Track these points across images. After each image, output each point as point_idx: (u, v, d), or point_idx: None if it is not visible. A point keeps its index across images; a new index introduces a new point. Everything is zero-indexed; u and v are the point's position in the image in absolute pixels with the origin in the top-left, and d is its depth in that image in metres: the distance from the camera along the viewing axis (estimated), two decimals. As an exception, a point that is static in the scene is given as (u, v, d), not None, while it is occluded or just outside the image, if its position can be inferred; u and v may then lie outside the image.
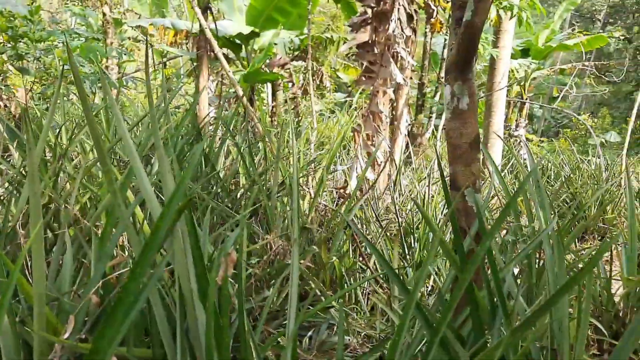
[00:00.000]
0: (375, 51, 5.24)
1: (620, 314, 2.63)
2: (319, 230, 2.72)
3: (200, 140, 2.66)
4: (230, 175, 2.75)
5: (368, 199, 4.71)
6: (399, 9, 5.23)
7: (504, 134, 13.39)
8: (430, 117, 11.57)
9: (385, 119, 5.46)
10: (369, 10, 5.16)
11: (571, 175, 6.25)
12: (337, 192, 4.75)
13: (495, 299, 1.42)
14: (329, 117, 13.53)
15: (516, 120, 13.28)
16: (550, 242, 1.78)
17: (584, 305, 1.70)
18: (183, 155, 2.51)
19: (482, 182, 5.54)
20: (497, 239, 2.96)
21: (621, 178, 6.28)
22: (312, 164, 3.17)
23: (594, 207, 5.64)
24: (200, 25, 6.91)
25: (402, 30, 5.92)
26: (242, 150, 2.66)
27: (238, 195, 2.75)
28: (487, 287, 1.42)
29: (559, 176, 6.70)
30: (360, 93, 10.36)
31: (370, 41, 5.30)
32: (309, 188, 2.85)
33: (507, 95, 13.30)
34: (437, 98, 11.53)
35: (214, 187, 2.66)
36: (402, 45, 5.29)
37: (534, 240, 1.67)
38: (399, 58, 5.31)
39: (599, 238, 5.50)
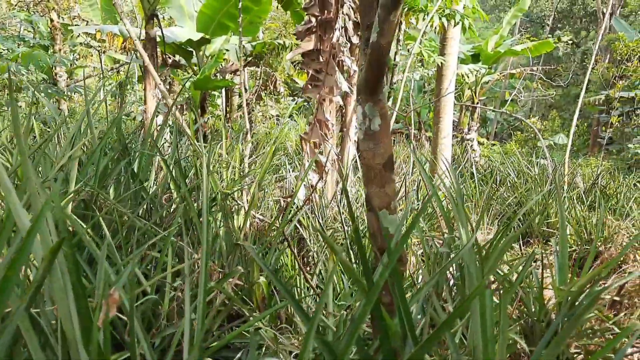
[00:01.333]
0: (321, 59, 5.22)
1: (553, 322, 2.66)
2: (253, 245, 2.67)
3: (127, 155, 2.59)
4: (160, 191, 2.68)
5: (315, 208, 4.69)
6: (344, 17, 5.23)
7: (457, 137, 13.61)
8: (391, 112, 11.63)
9: (332, 127, 5.45)
10: (314, 19, 5.15)
11: (516, 180, 6.35)
12: (284, 202, 4.72)
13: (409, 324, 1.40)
14: (285, 122, 13.51)
15: (468, 124, 13.48)
16: (473, 259, 1.79)
17: (502, 322, 1.71)
18: (107, 172, 2.43)
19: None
20: (434, 250, 2.98)
21: (564, 182, 6.42)
22: (248, 177, 3.12)
23: (538, 211, 5.73)
24: (147, 32, 6.81)
25: (349, 38, 5.93)
26: (172, 165, 2.59)
27: (170, 212, 2.68)
28: (399, 312, 1.40)
29: (505, 180, 6.80)
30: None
31: (315, 49, 5.28)
32: (243, 202, 2.80)
33: (459, 100, 13.53)
34: (389, 103, 11.62)
35: (144, 205, 2.59)
36: (347, 54, 5.30)
37: (450, 261, 1.67)
38: (345, 66, 5.31)
39: (544, 242, 5.59)
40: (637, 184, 7.88)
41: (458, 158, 9.58)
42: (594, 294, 2.64)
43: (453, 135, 13.72)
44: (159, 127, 6.14)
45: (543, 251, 4.38)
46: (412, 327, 1.35)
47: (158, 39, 7.08)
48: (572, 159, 13.23)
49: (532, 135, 14.68)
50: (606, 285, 3.57)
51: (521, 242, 5.19)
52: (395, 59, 10.70)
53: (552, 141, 15.32)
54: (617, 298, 3.27)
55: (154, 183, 2.89)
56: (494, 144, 15.29)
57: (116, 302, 1.02)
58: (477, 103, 13.21)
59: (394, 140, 13.17)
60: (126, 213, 2.30)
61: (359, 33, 6.19)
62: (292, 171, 6.20)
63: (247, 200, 2.77)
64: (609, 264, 2.84)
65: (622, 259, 4.48)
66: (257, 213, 3.83)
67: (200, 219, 2.58)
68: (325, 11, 5.09)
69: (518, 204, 5.85)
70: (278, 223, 2.94)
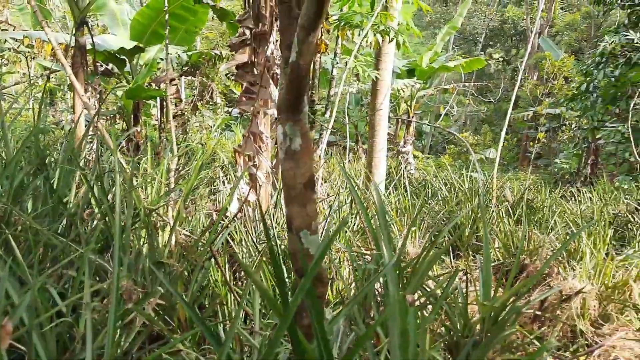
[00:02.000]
0: (255, 72, 5.19)
1: (477, 338, 2.71)
2: (178, 263, 2.60)
3: (45, 169, 2.47)
4: (81, 207, 2.57)
5: (248, 222, 4.63)
6: (278, 31, 5.23)
7: (393, 150, 13.83)
8: (322, 133, 11.70)
9: (266, 140, 5.42)
10: (248, 32, 5.11)
11: (447, 194, 6.49)
12: (216, 215, 4.64)
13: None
14: (220, 133, 13.36)
15: (404, 137, 13.72)
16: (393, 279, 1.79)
17: (421, 341, 1.72)
18: (23, 187, 2.31)
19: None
20: (362, 266, 2.98)
21: (492, 195, 6.60)
22: (175, 192, 3.04)
23: (469, 225, 5.85)
24: (76, 39, 6.60)
25: (283, 51, 5.94)
26: (92, 179, 2.49)
27: (91, 228, 2.58)
28: (316, 335, 1.38)
29: (436, 193, 6.94)
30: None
31: (250, 62, 5.25)
32: (168, 218, 2.73)
33: (395, 114, 13.78)
34: (327, 115, 11.69)
35: (62, 221, 2.48)
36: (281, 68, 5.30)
37: (373, 279, 1.66)
38: (279, 79, 5.30)
39: (474, 254, 5.70)
40: (563, 197, 8.20)
41: (394, 171, 9.71)
42: (516, 310, 2.71)
43: (389, 149, 13.94)
44: (88, 138, 5.96)
45: (468, 265, 4.47)
46: (329, 350, 1.33)
47: (89, 47, 6.88)
48: (503, 172, 13.69)
49: (465, 149, 15.10)
50: (531, 298, 3.68)
51: (451, 255, 5.29)
52: (332, 72, 10.80)
53: (483, 155, 15.81)
54: (539, 312, 3.37)
55: (74, 198, 2.77)
56: (428, 157, 15.63)
57: (9, 334, 0.96)
58: (413, 117, 13.48)
59: (331, 152, 13.25)
60: (41, 230, 2.19)
61: (295, 46, 6.21)
62: (227, 184, 6.11)
63: (173, 215, 2.70)
64: (530, 280, 2.92)
65: (547, 271, 4.63)
66: (185, 228, 3.74)
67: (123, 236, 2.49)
68: (260, 24, 5.06)
69: (449, 217, 5.96)
70: (206, 238, 2.88)
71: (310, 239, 1.58)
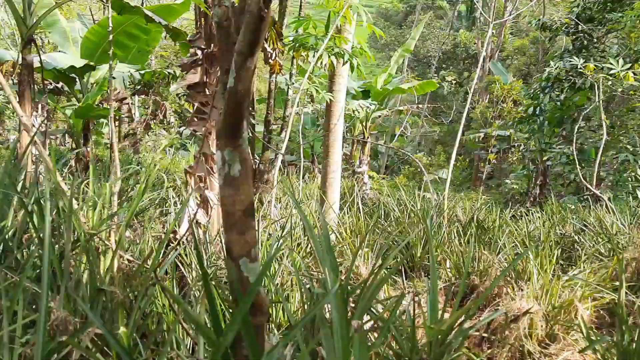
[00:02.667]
0: (207, 92, 5.14)
1: (424, 362, 2.71)
2: (120, 289, 2.52)
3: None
4: (19, 232, 2.48)
5: (198, 244, 4.55)
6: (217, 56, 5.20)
7: (349, 170, 13.90)
8: (277, 153, 11.67)
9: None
10: (200, 52, 5.07)
11: (399, 215, 6.53)
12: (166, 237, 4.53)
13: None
14: (175, 153, 13.18)
15: (359, 158, 13.81)
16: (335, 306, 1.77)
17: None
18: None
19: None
20: (310, 290, 2.95)
21: (443, 216, 6.68)
22: (120, 215, 2.96)
23: (420, 245, 5.89)
24: (23, 57, 6.43)
25: (237, 71, 5.91)
26: (31, 203, 2.40)
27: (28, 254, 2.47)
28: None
29: (389, 214, 6.98)
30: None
31: (201, 82, 5.20)
32: (110, 243, 2.64)
33: (350, 134, 13.87)
34: (283, 135, 11.68)
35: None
36: (234, 88, 5.27)
37: (317, 305, 1.64)
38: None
39: (426, 275, 5.73)
40: (513, 217, 8.36)
41: (348, 191, 9.74)
42: (463, 333, 2.73)
43: (345, 169, 14.02)
44: (33, 158, 5.77)
45: (415, 287, 4.50)
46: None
47: (38, 65, 6.71)
48: (455, 192, 13.91)
49: (420, 169, 15.30)
50: (480, 319, 3.71)
51: (404, 276, 5.31)
52: (288, 93, 10.82)
53: (437, 175, 16.06)
54: (485, 335, 3.40)
55: (12, 222, 2.66)
56: (384, 178, 15.77)
57: None
58: (368, 137, 13.60)
59: (287, 172, 13.23)
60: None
61: (248, 67, 6.19)
62: (178, 205, 6.00)
63: (115, 240, 2.62)
64: (477, 302, 2.95)
65: (496, 292, 4.68)
66: (131, 253, 3.64)
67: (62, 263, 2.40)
68: (212, 44, 5.03)
69: (401, 237, 5.99)
70: (156, 262, 2.80)
71: (250, 267, 1.55)
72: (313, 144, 14.47)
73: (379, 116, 14.39)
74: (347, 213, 7.21)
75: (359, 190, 11.62)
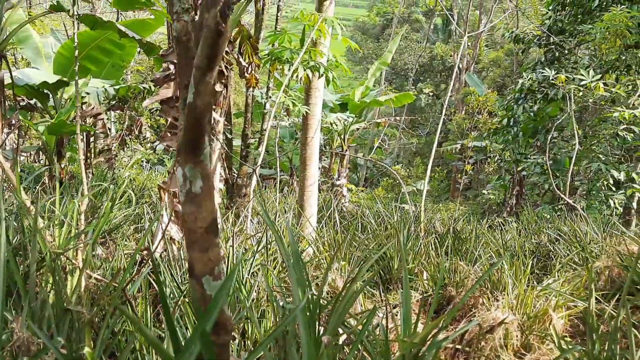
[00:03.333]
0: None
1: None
2: (86, 309, 2.47)
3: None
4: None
5: (172, 261, 4.49)
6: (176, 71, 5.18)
7: (328, 183, 13.91)
8: (254, 168, 11.61)
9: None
10: (172, 66, 5.05)
11: (376, 227, 6.53)
12: (139, 255, 4.48)
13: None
14: (151, 168, 13.09)
15: (338, 171, 13.83)
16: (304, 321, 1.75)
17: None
18: None
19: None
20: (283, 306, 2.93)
21: (420, 227, 6.70)
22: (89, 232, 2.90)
23: (397, 257, 5.89)
24: (-6, 72, 6.35)
25: (211, 86, 5.89)
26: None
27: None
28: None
29: (366, 227, 6.98)
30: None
31: (174, 97, 5.16)
32: (77, 261, 2.59)
33: (329, 147, 13.90)
34: (260, 149, 11.65)
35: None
36: (208, 102, 5.24)
37: (282, 323, 1.62)
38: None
39: (402, 287, 5.71)
40: (490, 227, 8.42)
41: (325, 204, 9.73)
42: (436, 345, 2.71)
43: (324, 182, 14.02)
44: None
45: (387, 300, 4.48)
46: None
47: (9, 81, 6.64)
48: (434, 204, 13.98)
49: (398, 181, 15.37)
50: (456, 330, 3.70)
51: (381, 289, 5.29)
52: (265, 106, 10.82)
53: (415, 187, 16.13)
54: (460, 346, 3.39)
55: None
56: (363, 190, 15.80)
57: None
58: (347, 150, 13.63)
59: (265, 185, 13.19)
60: None
61: (223, 81, 6.19)
62: (154, 222, 5.93)
63: (82, 259, 2.57)
64: (451, 313, 2.94)
65: (472, 303, 4.69)
66: (101, 271, 3.58)
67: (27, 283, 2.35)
68: (185, 59, 5.02)
69: (379, 250, 5.98)
70: (125, 280, 2.75)
71: (213, 285, 1.53)
72: (292, 157, 14.46)
73: (357, 129, 14.45)
74: (325, 226, 7.20)
75: (338, 203, 11.63)
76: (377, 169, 21.75)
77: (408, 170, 18.31)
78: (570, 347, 2.71)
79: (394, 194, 14.70)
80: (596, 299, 4.44)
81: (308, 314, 2.38)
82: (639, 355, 2.60)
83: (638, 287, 4.16)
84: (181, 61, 1.50)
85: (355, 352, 2.38)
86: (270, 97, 10.50)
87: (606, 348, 2.35)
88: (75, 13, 4.88)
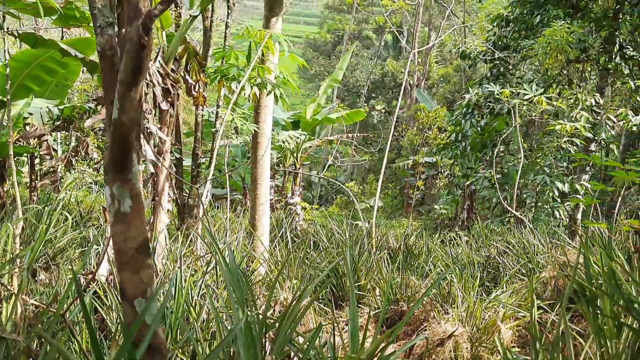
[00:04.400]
0: (125, 126, 5.00)
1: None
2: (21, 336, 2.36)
3: None
4: None
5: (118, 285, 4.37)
6: (147, 83, 5.11)
7: (281, 202, 13.84)
8: (204, 187, 11.46)
9: (139, 197, 5.20)
10: (116, 85, 4.93)
11: (328, 244, 6.52)
12: (84, 279, 4.33)
13: None
14: (99, 189, 12.74)
15: (292, 189, 13.78)
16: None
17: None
18: None
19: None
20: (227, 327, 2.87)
21: (372, 244, 6.72)
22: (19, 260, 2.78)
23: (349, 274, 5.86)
24: None
25: (158, 104, 5.80)
26: None
27: None
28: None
29: (318, 244, 6.96)
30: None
31: (118, 116, 5.04)
32: (13, 287, 2.48)
33: (282, 166, 13.86)
34: (210, 168, 11.50)
35: None
36: (153, 121, 5.15)
37: (221, 343, 1.57)
38: (150, 134, 5.15)
39: (358, 305, 5.70)
40: (443, 242, 8.51)
41: (281, 223, 9.67)
42: (384, 360, 2.70)
43: (277, 200, 13.95)
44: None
45: (336, 318, 4.47)
46: None
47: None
48: (388, 220, 14.08)
49: (351, 198, 15.43)
50: (406, 344, 3.70)
51: (334, 306, 5.27)
52: (216, 125, 10.72)
53: (368, 204, 16.23)
54: (408, 360, 3.39)
55: None
56: (317, 208, 15.80)
57: None
58: (299, 168, 13.61)
59: (218, 205, 13.03)
60: None
61: (170, 99, 6.10)
62: (101, 244, 5.76)
63: (18, 284, 2.46)
64: (398, 328, 2.93)
65: (424, 317, 4.71)
66: (44, 296, 3.45)
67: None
68: (129, 77, 4.92)
69: (329, 267, 5.96)
70: (64, 305, 2.64)
71: (146, 307, 1.47)
72: (244, 176, 14.35)
73: (310, 147, 14.47)
74: (278, 245, 7.15)
75: (292, 222, 11.57)
76: (332, 186, 21.82)
77: (361, 187, 18.41)
78: (515, 357, 2.74)
79: (347, 212, 14.74)
80: (542, 308, 4.53)
81: (254, 333, 2.34)
82: (581, 362, 2.65)
83: (579, 295, 4.25)
84: (106, 77, 1.45)
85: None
86: (220, 116, 10.42)
87: (549, 357, 2.38)
88: (10, 30, 4.74)
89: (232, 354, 2.78)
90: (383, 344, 2.70)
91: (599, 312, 2.70)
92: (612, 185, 6.59)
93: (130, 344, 1.25)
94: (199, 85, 7.10)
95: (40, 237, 2.60)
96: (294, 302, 2.59)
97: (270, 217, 9.58)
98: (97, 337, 1.31)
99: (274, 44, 6.71)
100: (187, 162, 11.67)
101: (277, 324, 2.73)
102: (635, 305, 2.42)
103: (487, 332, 4.11)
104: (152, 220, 5.97)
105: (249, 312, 2.52)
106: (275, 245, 7.13)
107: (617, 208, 6.11)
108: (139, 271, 1.47)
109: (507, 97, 8.69)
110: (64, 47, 6.66)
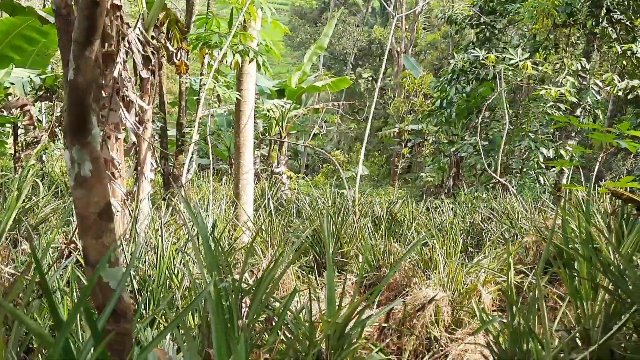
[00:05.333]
0: (103, 94, 4.92)
1: (323, 356, 2.69)
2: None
3: None
4: None
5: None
6: (127, 51, 5.01)
7: (267, 171, 13.81)
8: (192, 156, 11.40)
9: (119, 165, 5.15)
10: (93, 52, 4.83)
11: (311, 213, 6.52)
12: (66, 248, 4.31)
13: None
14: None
15: (277, 158, 13.73)
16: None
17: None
18: None
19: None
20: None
21: (355, 211, 6.73)
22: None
23: (332, 242, 5.89)
24: None
25: (138, 72, 5.70)
26: None
27: None
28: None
29: (301, 213, 6.96)
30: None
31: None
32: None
33: (268, 134, 13.79)
34: (195, 137, 11.41)
35: None
36: (133, 89, 5.07)
37: (190, 304, 1.56)
38: (131, 102, 5.07)
39: (338, 271, 5.73)
40: (428, 209, 8.54)
41: (261, 192, 9.66)
42: (360, 324, 2.72)
43: (263, 170, 13.91)
44: None
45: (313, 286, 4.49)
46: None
47: None
48: (374, 188, 14.10)
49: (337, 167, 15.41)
50: (385, 309, 3.72)
51: (316, 272, 5.30)
52: (200, 94, 10.60)
53: (354, 172, 16.22)
54: (386, 324, 3.42)
55: None
56: (303, 177, 15.77)
57: None
58: (285, 137, 13.54)
59: (203, 175, 12.97)
60: None
61: (150, 67, 6.00)
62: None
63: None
64: (376, 290, 2.95)
65: (405, 282, 4.74)
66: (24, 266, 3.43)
67: None
68: (106, 44, 4.82)
69: (313, 235, 5.97)
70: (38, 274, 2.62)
71: (110, 272, 1.45)
72: (230, 146, 14.27)
73: (296, 115, 14.37)
74: (263, 214, 7.14)
75: (277, 191, 11.56)
76: (318, 155, 21.77)
77: (348, 156, 18.38)
78: (491, 317, 2.77)
79: (333, 181, 14.75)
80: (524, 272, 4.57)
81: (229, 298, 2.34)
82: (556, 323, 2.69)
83: (557, 258, 4.29)
84: (62, 37, 1.41)
85: (278, 333, 2.35)
86: (203, 84, 10.30)
87: (523, 320, 2.41)
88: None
89: (208, 319, 2.79)
90: (360, 307, 2.73)
91: (575, 274, 2.72)
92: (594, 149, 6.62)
93: (85, 304, 1.24)
94: (180, 53, 6.98)
95: (11, 204, 2.57)
96: (271, 266, 2.59)
97: (255, 187, 9.57)
98: (54, 300, 1.30)
99: (256, 10, 6.60)
100: (173, 132, 11.57)
101: (253, 290, 2.73)
102: (611, 267, 2.44)
103: (468, 297, 4.15)
104: (134, 189, 5.94)
105: (224, 278, 2.51)
106: (259, 214, 7.13)
107: (595, 170, 6.13)
108: (101, 236, 1.45)
109: (492, 62, 8.63)
110: (42, 14, 6.52)
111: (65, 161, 1.43)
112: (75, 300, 3.47)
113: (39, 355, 2.57)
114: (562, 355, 2.32)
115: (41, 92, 9.88)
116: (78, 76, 1.28)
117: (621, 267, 2.35)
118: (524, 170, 9.27)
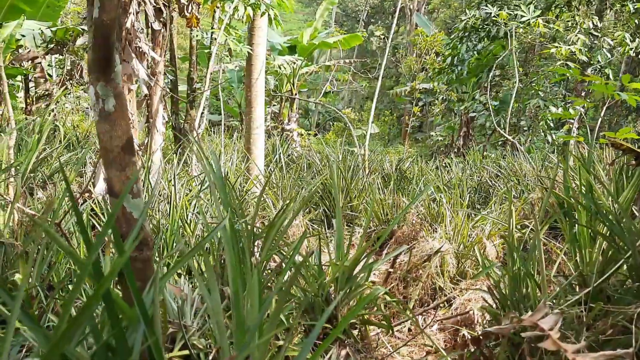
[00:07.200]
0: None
1: (332, 297, 2.81)
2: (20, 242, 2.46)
3: None
4: None
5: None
6: (139, 2, 5.02)
7: (278, 128, 13.85)
8: (203, 112, 11.45)
9: (132, 117, 5.23)
10: (106, 3, 4.86)
11: (321, 168, 6.60)
12: (81, 196, 4.43)
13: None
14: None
15: (288, 115, 13.77)
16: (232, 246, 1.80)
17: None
18: None
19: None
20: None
21: (364, 167, 6.81)
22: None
23: (342, 196, 6.00)
24: None
25: (149, 24, 5.73)
26: None
27: None
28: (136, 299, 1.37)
29: (311, 167, 7.05)
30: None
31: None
32: (9, 196, 2.57)
33: (279, 91, 13.78)
34: (207, 93, 11.42)
35: None
36: (145, 40, 5.11)
37: (205, 239, 1.66)
38: (143, 54, 5.11)
39: (347, 224, 5.85)
40: (438, 168, 8.62)
41: (272, 149, 9.75)
42: (368, 267, 2.83)
43: (274, 127, 13.95)
44: None
45: (323, 233, 4.60)
46: (145, 312, 1.32)
47: None
48: (385, 147, 14.14)
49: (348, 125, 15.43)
50: (391, 258, 3.83)
51: (326, 225, 5.42)
52: (211, 48, 10.58)
53: (365, 131, 16.25)
54: (391, 269, 3.53)
55: None
56: (314, 134, 15.81)
57: None
58: (296, 94, 13.54)
59: (214, 131, 13.05)
60: None
61: (162, 19, 6.01)
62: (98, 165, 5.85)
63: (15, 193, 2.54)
64: (381, 236, 3.05)
65: (413, 235, 4.85)
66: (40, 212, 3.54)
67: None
68: (119, -5, 4.84)
69: (323, 189, 6.08)
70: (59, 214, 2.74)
71: (133, 203, 1.55)
72: (241, 102, 14.29)
73: (307, 72, 14.32)
74: (274, 169, 7.24)
75: (287, 148, 11.63)
76: (329, 114, 21.74)
77: (359, 114, 18.35)
78: (492, 263, 2.87)
79: (344, 139, 14.79)
80: (528, 226, 4.67)
81: (243, 240, 2.44)
82: (554, 270, 2.79)
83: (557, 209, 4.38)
84: (86, -24, 1.47)
85: (289, 273, 2.46)
86: (215, 38, 10.27)
87: (521, 265, 2.50)
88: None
89: (222, 262, 2.92)
90: (367, 252, 2.83)
91: (575, 222, 2.80)
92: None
93: (114, 228, 1.34)
94: (192, 6, 6.96)
95: (32, 147, 2.67)
96: (281, 211, 2.69)
97: (266, 143, 9.64)
98: (85, 229, 1.40)
99: (269, -37, 6.56)
100: (183, 87, 11.60)
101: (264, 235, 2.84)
102: (609, 215, 2.52)
103: (473, 250, 4.25)
104: (146, 141, 6.04)
105: (238, 221, 2.62)
106: (271, 169, 7.23)
107: (598, 122, 6.13)
108: (125, 168, 1.54)
109: (504, 19, 8.54)
110: (52, -36, 6.52)
111: (90, 97, 1.51)
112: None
113: (59, 291, 2.71)
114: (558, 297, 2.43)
115: (52, 45, 9.90)
116: (102, 14, 1.35)
117: (619, 215, 2.43)
118: (533, 129, 9.27)
